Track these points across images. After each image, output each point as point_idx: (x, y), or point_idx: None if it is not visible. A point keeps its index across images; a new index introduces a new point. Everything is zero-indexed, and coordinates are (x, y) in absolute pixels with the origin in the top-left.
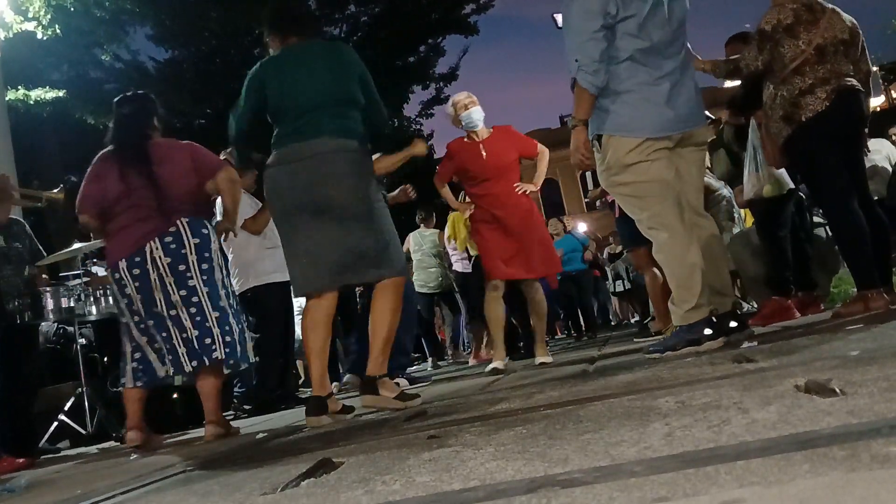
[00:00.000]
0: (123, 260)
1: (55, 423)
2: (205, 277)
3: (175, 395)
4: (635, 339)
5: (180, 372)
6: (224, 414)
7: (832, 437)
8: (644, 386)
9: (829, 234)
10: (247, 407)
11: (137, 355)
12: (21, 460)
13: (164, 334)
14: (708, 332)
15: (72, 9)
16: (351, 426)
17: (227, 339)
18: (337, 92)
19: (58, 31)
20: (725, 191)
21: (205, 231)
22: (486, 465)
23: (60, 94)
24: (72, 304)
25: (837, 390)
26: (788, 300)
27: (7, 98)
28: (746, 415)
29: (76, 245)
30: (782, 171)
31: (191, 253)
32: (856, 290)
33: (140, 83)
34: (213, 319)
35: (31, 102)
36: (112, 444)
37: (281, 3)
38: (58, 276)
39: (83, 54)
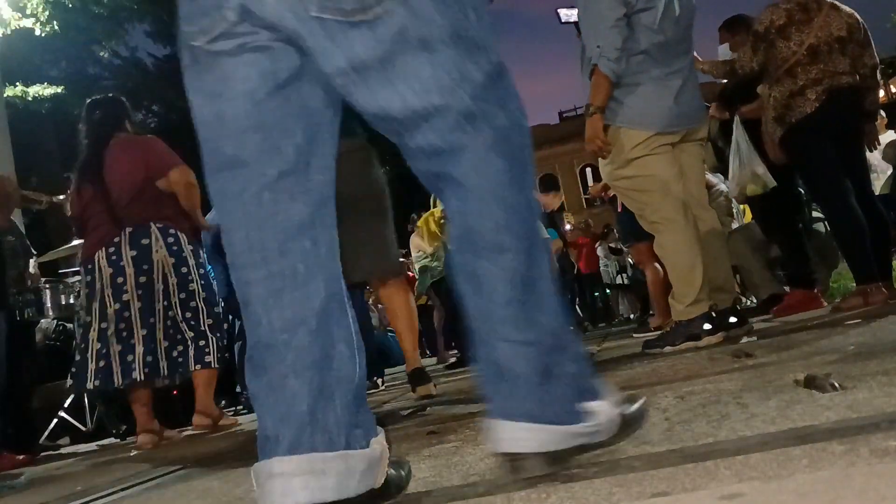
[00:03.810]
0: (81, 267)
1: (55, 420)
2: (139, 292)
3: (175, 392)
4: (635, 335)
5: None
6: (225, 411)
7: (831, 431)
8: (643, 381)
9: (829, 228)
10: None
11: (102, 363)
12: (21, 457)
13: (96, 344)
14: (707, 327)
15: (70, 5)
16: None
17: (150, 358)
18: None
19: (56, 27)
20: (723, 186)
21: (145, 241)
22: (485, 460)
23: (59, 90)
24: (71, 301)
25: (836, 385)
26: (814, 290)
27: (5, 95)
28: (745, 410)
29: (75, 242)
30: (765, 168)
31: (128, 265)
32: (855, 284)
33: (138, 80)
34: (140, 337)
35: (30, 99)
36: (112, 440)
37: None
38: (57, 273)
39: (81, 51)
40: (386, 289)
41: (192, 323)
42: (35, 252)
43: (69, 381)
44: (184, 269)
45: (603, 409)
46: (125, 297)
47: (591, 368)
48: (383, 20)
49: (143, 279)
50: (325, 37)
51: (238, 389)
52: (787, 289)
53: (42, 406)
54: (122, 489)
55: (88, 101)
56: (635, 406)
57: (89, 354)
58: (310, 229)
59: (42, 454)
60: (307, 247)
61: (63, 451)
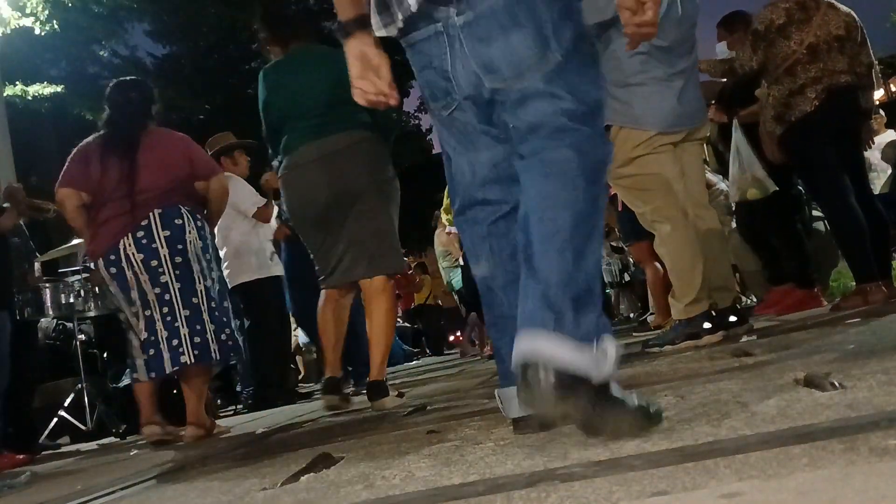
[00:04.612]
0: (101, 259)
1: (55, 420)
2: (177, 272)
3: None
4: (634, 334)
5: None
6: (224, 410)
7: (831, 430)
8: (643, 380)
9: (828, 227)
10: (250, 401)
11: (152, 351)
12: (21, 456)
13: (144, 334)
14: (707, 326)
15: (69, 4)
16: (350, 421)
17: (197, 339)
18: (343, 93)
19: (55, 26)
20: (723, 185)
21: (178, 221)
22: (485, 459)
23: (58, 89)
24: (71, 301)
25: (836, 384)
26: (814, 289)
27: (5, 94)
28: (745, 408)
29: (75, 241)
30: (765, 173)
31: (162, 246)
32: (854, 283)
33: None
34: (183, 319)
35: (30, 98)
36: (112, 439)
37: (273, 7)
38: (57, 272)
39: (81, 50)
40: (371, 287)
41: (217, 314)
42: (38, 254)
43: (128, 377)
44: (207, 256)
45: (610, 350)
46: (163, 279)
47: (608, 328)
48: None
49: (178, 259)
50: (498, 100)
51: (238, 389)
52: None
53: (42, 405)
54: (122, 488)
55: (118, 80)
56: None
57: (140, 345)
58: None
59: (42, 453)
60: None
61: (63, 450)
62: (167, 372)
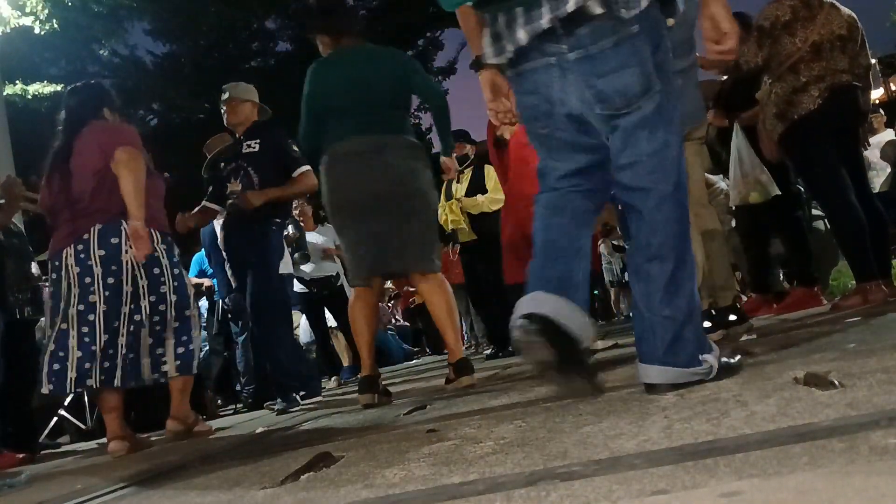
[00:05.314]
0: (49, 263)
1: (55, 419)
2: (106, 293)
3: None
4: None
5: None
6: (224, 410)
7: (831, 429)
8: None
9: (828, 226)
10: (250, 401)
11: (56, 366)
12: (21, 455)
13: (52, 345)
14: (707, 325)
15: (69, 3)
16: (350, 421)
17: (106, 364)
18: (392, 95)
19: (55, 25)
20: (723, 184)
21: (115, 240)
22: (485, 458)
23: (58, 88)
24: None
25: (836, 383)
26: (814, 288)
27: (5, 93)
28: (745, 407)
29: None
30: (768, 176)
31: (96, 265)
32: (854, 282)
33: (138, 78)
34: (101, 342)
35: (29, 97)
36: None
37: (322, 3)
38: None
39: (81, 49)
40: (425, 283)
41: (158, 328)
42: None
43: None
44: (156, 270)
45: (712, 359)
46: (91, 297)
47: (704, 332)
48: (633, 114)
49: (111, 280)
50: (603, 121)
51: (238, 388)
52: (752, 294)
53: (42, 404)
54: (122, 487)
55: (69, 87)
56: (735, 359)
57: (45, 357)
58: (588, 212)
59: (42, 452)
60: (586, 216)
61: (63, 449)
62: (67, 392)
